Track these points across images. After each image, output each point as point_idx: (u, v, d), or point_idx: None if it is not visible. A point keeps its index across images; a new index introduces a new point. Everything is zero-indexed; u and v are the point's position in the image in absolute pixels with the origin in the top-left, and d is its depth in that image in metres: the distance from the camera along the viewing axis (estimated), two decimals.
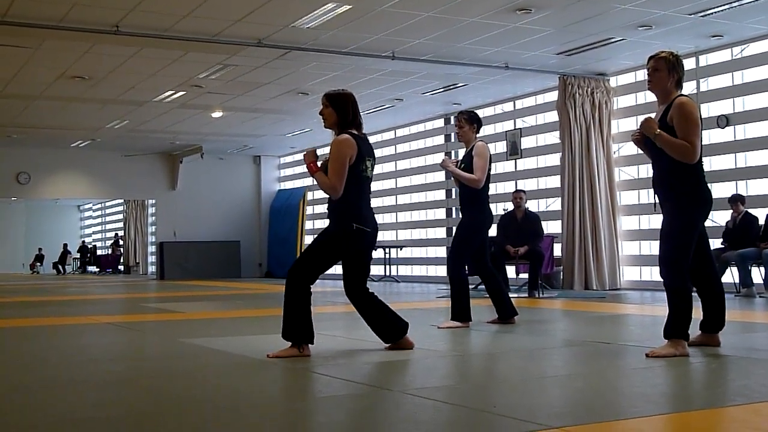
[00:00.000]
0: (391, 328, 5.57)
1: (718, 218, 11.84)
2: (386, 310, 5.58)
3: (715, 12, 10.36)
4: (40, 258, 37.12)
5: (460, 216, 7.48)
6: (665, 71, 5.25)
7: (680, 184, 5.13)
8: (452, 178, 7.62)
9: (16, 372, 4.97)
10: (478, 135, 7.37)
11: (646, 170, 13.49)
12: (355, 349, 5.84)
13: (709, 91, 12.46)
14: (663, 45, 11.69)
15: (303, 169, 23.02)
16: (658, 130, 5.10)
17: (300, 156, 22.98)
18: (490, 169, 7.25)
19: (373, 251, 5.72)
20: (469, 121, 7.31)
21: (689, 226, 5.10)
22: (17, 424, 3.44)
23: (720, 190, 11.94)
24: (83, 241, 37.69)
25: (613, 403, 3.71)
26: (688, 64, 12.59)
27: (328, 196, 5.41)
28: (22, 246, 38.95)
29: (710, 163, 12.23)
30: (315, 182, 5.42)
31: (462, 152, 7.53)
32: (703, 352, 5.25)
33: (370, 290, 5.60)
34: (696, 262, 5.24)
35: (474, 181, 7.11)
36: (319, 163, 5.44)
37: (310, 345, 5.31)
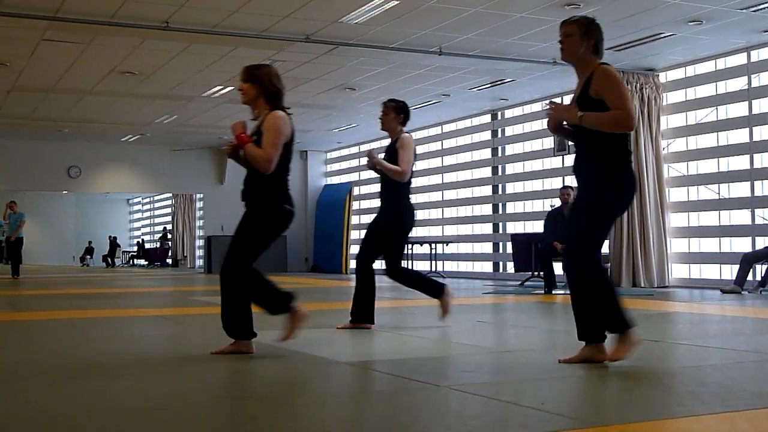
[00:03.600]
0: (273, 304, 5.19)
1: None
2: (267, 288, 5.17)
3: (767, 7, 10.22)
4: (89, 251, 37.65)
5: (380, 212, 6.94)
6: (578, 35, 4.75)
7: (602, 164, 4.59)
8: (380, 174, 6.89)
9: (65, 361, 5.04)
10: (404, 128, 6.93)
11: (696, 167, 13.35)
12: (400, 344, 5.85)
13: (761, 86, 12.27)
14: (713, 40, 11.59)
15: (349, 164, 23.08)
16: (581, 113, 4.57)
17: (347, 151, 23.03)
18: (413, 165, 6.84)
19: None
20: (396, 109, 6.91)
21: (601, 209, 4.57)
22: (65, 412, 3.50)
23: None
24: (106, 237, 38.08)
25: (662, 402, 3.68)
26: (740, 59, 12.44)
27: (261, 179, 5.14)
28: (73, 239, 39.52)
29: (761, 160, 12.07)
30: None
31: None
32: (755, 351, 5.18)
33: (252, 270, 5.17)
34: None
35: (398, 173, 6.70)
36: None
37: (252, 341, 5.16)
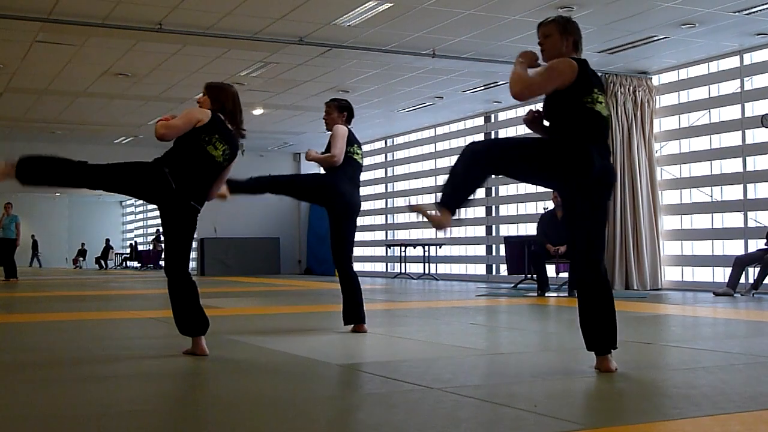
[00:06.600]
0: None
1: (762, 218, 11.71)
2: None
3: (760, 10, 10.23)
4: (82, 253, 37.58)
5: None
6: (557, 35, 4.55)
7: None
8: None
9: (57, 364, 5.03)
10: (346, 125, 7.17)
11: (689, 170, 13.37)
12: (394, 347, 5.85)
13: (754, 89, 12.30)
14: (706, 43, 11.61)
15: None
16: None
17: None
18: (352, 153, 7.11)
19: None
20: (338, 108, 7.21)
21: None
22: (61, 414, 3.49)
23: (763, 190, 11.85)
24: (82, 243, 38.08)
25: (655, 404, 3.69)
26: (732, 62, 12.47)
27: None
28: (66, 241, 39.44)
29: (754, 163, 12.10)
30: None
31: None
32: (747, 354, 5.19)
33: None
34: None
35: (332, 158, 6.94)
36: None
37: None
